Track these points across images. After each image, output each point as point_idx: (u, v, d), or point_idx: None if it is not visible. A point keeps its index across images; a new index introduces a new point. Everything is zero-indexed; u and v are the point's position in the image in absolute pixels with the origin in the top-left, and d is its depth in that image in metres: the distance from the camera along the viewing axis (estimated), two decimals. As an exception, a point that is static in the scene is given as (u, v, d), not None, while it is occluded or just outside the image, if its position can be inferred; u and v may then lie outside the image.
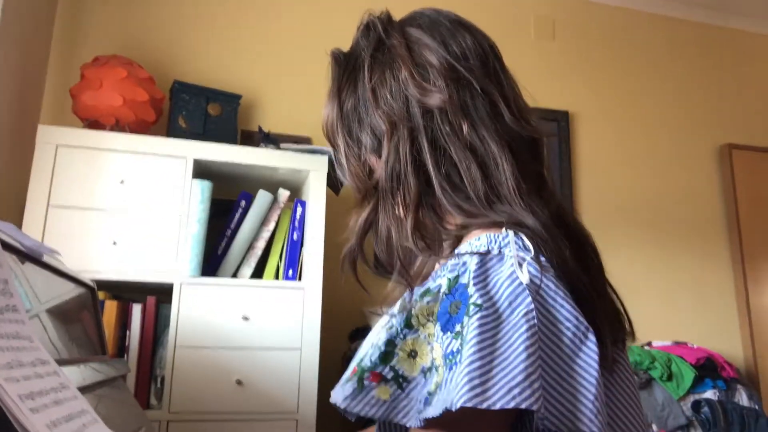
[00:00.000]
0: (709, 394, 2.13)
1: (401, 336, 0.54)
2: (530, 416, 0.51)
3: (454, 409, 0.45)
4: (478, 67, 0.66)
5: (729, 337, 2.72)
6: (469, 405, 0.44)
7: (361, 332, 2.03)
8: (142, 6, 2.26)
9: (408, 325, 0.54)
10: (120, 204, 1.67)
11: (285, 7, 2.45)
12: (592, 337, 0.50)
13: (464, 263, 0.55)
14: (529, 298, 0.49)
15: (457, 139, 0.62)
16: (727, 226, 2.85)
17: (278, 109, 2.32)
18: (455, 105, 0.63)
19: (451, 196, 0.61)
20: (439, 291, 0.54)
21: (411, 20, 0.70)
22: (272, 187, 1.84)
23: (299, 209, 1.82)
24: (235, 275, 1.76)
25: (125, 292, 1.78)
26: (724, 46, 3.13)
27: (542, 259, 0.54)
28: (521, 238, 0.56)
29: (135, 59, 2.01)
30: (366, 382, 0.52)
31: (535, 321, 0.49)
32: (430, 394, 0.50)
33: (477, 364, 0.46)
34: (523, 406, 0.44)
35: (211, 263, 1.76)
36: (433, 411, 0.47)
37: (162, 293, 1.69)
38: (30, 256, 0.81)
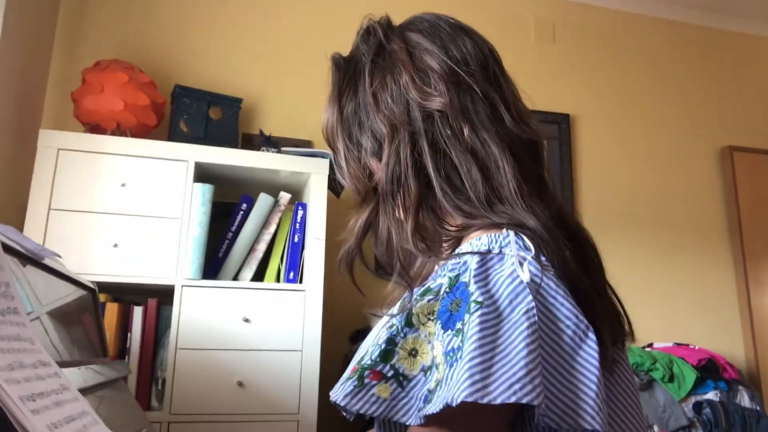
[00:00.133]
0: (711, 395, 2.13)
1: (402, 334, 0.54)
2: (531, 413, 0.51)
3: (454, 404, 0.45)
4: (478, 71, 0.66)
5: (730, 338, 2.71)
6: (470, 400, 0.44)
7: (361, 334, 2.03)
8: (143, 10, 2.27)
9: (409, 323, 0.54)
10: (121, 207, 1.67)
11: (285, 9, 2.46)
12: (592, 335, 0.50)
13: (465, 262, 0.55)
14: (530, 297, 0.50)
15: (458, 143, 0.63)
16: (728, 228, 2.85)
17: (279, 112, 2.33)
18: (456, 109, 0.64)
19: (452, 198, 0.62)
20: (439, 290, 0.55)
21: (411, 25, 0.71)
22: (273, 190, 1.84)
23: (300, 212, 1.83)
24: (236, 278, 1.77)
25: (126, 295, 1.78)
26: (723, 48, 3.14)
27: (543, 258, 0.54)
28: (522, 239, 0.56)
29: (136, 63, 2.02)
30: (366, 380, 0.52)
31: (536, 319, 0.49)
32: (430, 391, 0.50)
33: (478, 360, 0.46)
34: (524, 401, 0.45)
35: (213, 266, 1.76)
36: (434, 407, 0.47)
37: (163, 295, 1.69)
38: (31, 259, 0.81)
